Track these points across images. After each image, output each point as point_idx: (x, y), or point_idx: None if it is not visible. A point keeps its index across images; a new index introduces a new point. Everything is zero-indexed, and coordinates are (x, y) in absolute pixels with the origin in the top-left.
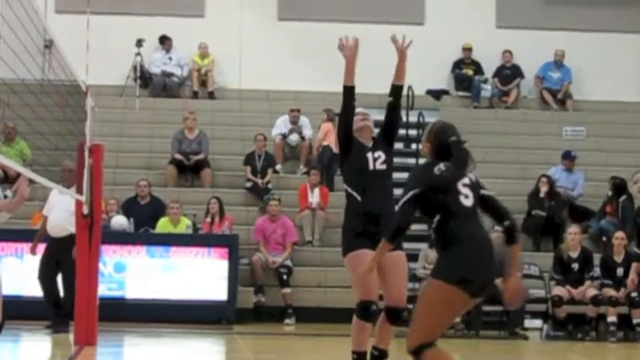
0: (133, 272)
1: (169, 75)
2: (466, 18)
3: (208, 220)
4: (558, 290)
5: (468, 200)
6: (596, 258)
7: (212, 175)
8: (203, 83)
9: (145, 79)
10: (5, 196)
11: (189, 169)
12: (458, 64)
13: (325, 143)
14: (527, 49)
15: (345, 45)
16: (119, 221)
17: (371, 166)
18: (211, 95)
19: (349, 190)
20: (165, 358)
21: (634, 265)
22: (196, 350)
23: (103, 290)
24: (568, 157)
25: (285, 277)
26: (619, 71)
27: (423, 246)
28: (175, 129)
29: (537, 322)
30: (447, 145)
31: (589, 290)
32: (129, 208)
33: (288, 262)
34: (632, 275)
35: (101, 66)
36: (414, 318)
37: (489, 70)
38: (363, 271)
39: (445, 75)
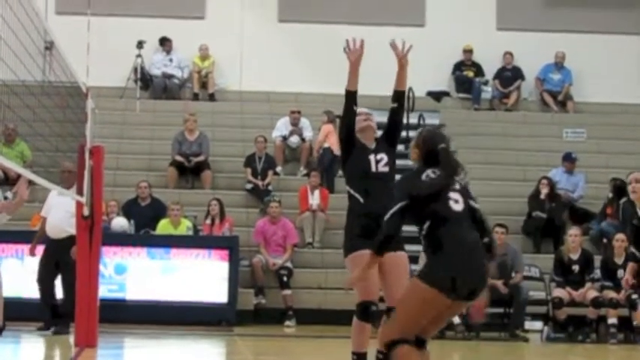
0: (133, 274)
1: (170, 77)
2: (467, 20)
3: (209, 221)
4: (559, 292)
5: (458, 205)
6: (597, 260)
7: (212, 176)
8: (203, 85)
9: (145, 80)
10: (5, 198)
11: (190, 170)
12: (458, 66)
13: (326, 145)
14: (528, 51)
15: (351, 49)
16: (120, 223)
17: (373, 169)
18: (212, 97)
19: (351, 191)
20: None
21: (629, 265)
22: (197, 352)
23: (104, 292)
24: (568, 159)
25: (285, 278)
26: (620, 73)
27: None
28: (176, 131)
29: (538, 324)
30: (435, 152)
31: (589, 292)
32: (129, 209)
33: (289, 264)
34: (627, 275)
35: (102, 67)
36: (395, 311)
37: (490, 71)
38: (353, 279)
39: (446, 77)
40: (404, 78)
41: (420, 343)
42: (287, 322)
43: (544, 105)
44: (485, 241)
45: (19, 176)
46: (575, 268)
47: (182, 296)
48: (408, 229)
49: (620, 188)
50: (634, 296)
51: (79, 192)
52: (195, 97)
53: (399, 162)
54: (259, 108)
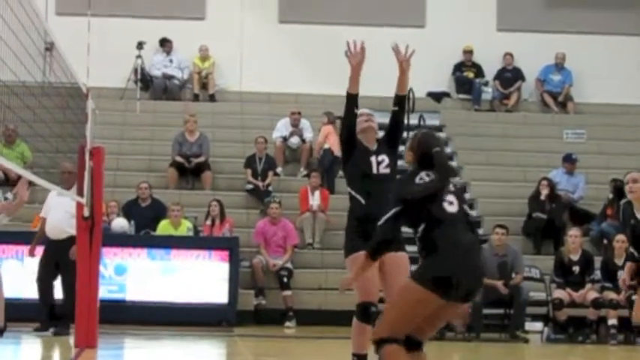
0: (133, 275)
1: (170, 77)
2: (467, 21)
3: (209, 222)
4: (559, 293)
5: (452, 206)
6: (597, 261)
7: (213, 177)
8: (204, 86)
9: (145, 81)
10: (6, 199)
11: (190, 171)
12: (459, 67)
13: (326, 146)
14: (528, 52)
15: (352, 52)
16: (120, 223)
17: (374, 170)
18: (212, 98)
19: (352, 193)
20: None
21: (627, 264)
22: (197, 353)
23: (104, 293)
24: (569, 160)
25: (285, 279)
26: (620, 74)
27: None
28: (176, 131)
29: (538, 325)
30: (430, 155)
31: (590, 293)
32: (130, 210)
33: (289, 265)
34: (625, 275)
35: (102, 68)
36: (386, 310)
37: (490, 72)
38: (347, 280)
39: (446, 77)
40: (405, 82)
41: (416, 345)
42: (287, 323)
43: (544, 106)
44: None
45: (19, 177)
46: (576, 269)
47: (182, 297)
48: (409, 229)
49: (620, 189)
50: (634, 297)
51: (80, 193)
52: (196, 97)
53: (400, 163)
54: (259, 109)
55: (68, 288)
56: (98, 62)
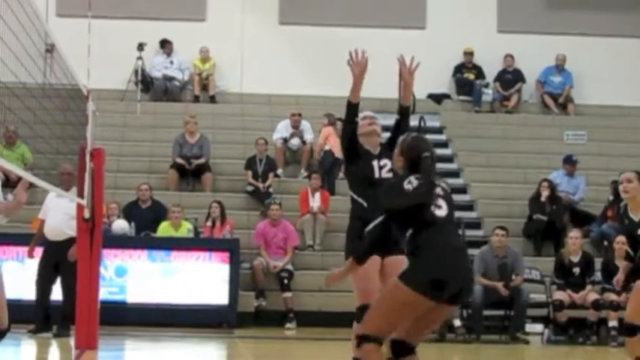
0: (134, 276)
1: (170, 79)
2: (467, 22)
3: (209, 224)
4: (559, 295)
5: (441, 210)
6: (598, 262)
7: (213, 179)
8: (204, 87)
9: (146, 83)
10: (5, 199)
11: (191, 173)
12: (459, 69)
13: (326, 148)
14: (529, 54)
15: (355, 61)
16: (120, 225)
17: (376, 175)
18: (212, 99)
19: (354, 196)
20: None
21: (623, 264)
22: (197, 354)
23: (104, 294)
24: (569, 162)
25: (286, 281)
26: (620, 76)
27: None
28: (176, 133)
29: (538, 327)
30: (419, 159)
31: (590, 295)
32: (130, 212)
33: (289, 267)
34: (620, 275)
35: (102, 70)
36: (374, 309)
37: (491, 74)
38: (332, 276)
39: (446, 79)
40: (409, 94)
41: (408, 350)
42: (287, 325)
43: (545, 107)
44: None
45: (19, 179)
46: (576, 270)
47: (183, 298)
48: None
49: None
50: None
51: (80, 194)
52: (196, 99)
53: None
54: (260, 110)
55: (68, 289)
56: (99, 64)
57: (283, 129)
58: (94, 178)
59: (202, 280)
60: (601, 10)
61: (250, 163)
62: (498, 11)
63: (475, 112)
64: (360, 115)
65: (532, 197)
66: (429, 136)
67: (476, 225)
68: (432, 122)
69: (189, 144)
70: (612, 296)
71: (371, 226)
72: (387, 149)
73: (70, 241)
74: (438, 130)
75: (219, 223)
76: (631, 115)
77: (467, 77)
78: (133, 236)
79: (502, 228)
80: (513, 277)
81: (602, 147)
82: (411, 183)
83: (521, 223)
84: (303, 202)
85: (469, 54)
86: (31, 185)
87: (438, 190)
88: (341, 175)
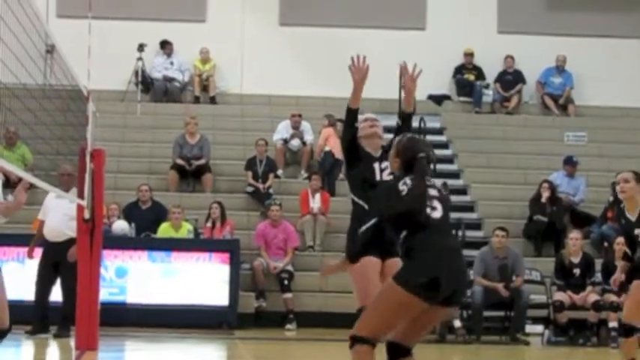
0: (134, 277)
1: (171, 80)
2: (468, 23)
3: (209, 225)
4: (560, 296)
5: (436, 212)
6: (598, 263)
7: (213, 180)
8: (204, 88)
9: (146, 83)
10: (6, 200)
11: (191, 174)
12: (459, 70)
13: (327, 148)
14: (529, 55)
15: (356, 67)
16: (120, 226)
17: (377, 177)
18: (213, 100)
19: (355, 198)
20: None
21: (621, 263)
22: (197, 355)
23: (105, 295)
24: (569, 163)
25: (286, 282)
26: (621, 76)
27: None
28: (177, 134)
29: (539, 328)
30: (415, 160)
31: (590, 296)
32: (130, 212)
33: (290, 267)
34: (617, 274)
35: (103, 71)
36: (368, 310)
37: (491, 75)
38: (329, 268)
39: (447, 80)
40: (411, 100)
41: (404, 352)
42: (288, 326)
43: (545, 108)
44: None
45: (20, 179)
46: (576, 271)
47: (183, 299)
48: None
49: None
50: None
51: (80, 195)
52: (196, 100)
53: None
54: (260, 111)
55: (68, 290)
56: (99, 64)
57: (283, 130)
58: (94, 178)
59: (202, 280)
60: (601, 11)
61: (250, 164)
62: (498, 12)
63: (475, 113)
64: (362, 117)
65: (532, 198)
66: (430, 137)
67: (476, 226)
68: (432, 123)
69: (190, 145)
70: (612, 297)
71: (364, 227)
72: (389, 152)
73: (69, 242)
74: (439, 131)
75: (220, 224)
76: (631, 116)
77: (467, 78)
78: (133, 237)
79: (502, 229)
80: (513, 278)
81: (603, 148)
82: (406, 184)
83: (521, 224)
84: (304, 203)
85: (469, 55)
86: (31, 186)
87: (434, 192)
88: (341, 176)
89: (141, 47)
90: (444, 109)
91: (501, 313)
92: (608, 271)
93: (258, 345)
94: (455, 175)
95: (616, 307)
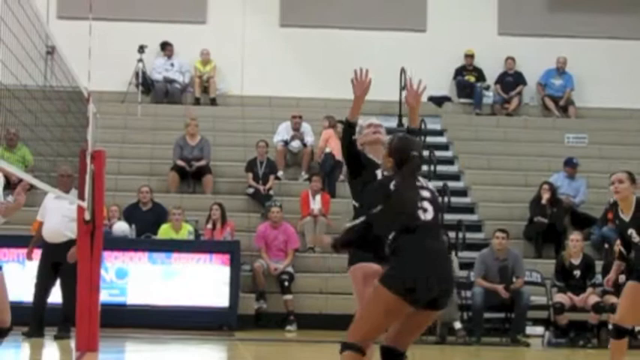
0: (134, 278)
1: (171, 81)
2: (468, 25)
3: (210, 226)
4: (560, 297)
5: (427, 214)
6: (598, 265)
7: (214, 181)
8: (205, 89)
9: (146, 85)
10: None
11: (191, 175)
12: (460, 71)
13: (327, 150)
14: (530, 56)
15: (359, 81)
16: (121, 227)
17: None
18: (213, 102)
19: (357, 205)
20: None
21: (616, 263)
22: (198, 356)
23: (105, 296)
24: (570, 164)
25: (286, 283)
26: (621, 78)
27: None
28: (177, 135)
29: (539, 329)
30: (408, 159)
31: (591, 297)
32: (131, 214)
33: (290, 269)
34: (611, 274)
35: (103, 72)
36: (358, 316)
37: (491, 76)
38: (315, 238)
39: (447, 82)
40: (416, 118)
41: (398, 356)
42: (288, 327)
43: (545, 110)
44: None
45: (20, 180)
46: (577, 273)
47: (183, 301)
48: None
49: None
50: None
51: (81, 196)
52: (197, 101)
53: None
54: (260, 113)
55: (68, 291)
56: (99, 66)
57: (284, 131)
58: (95, 180)
59: (203, 282)
60: (602, 13)
61: (251, 166)
62: (499, 14)
63: (476, 114)
64: (365, 122)
65: (533, 200)
66: (430, 139)
67: (476, 227)
68: (432, 125)
69: (190, 146)
70: (613, 299)
71: (351, 224)
72: None
73: (68, 243)
74: (439, 133)
75: (220, 226)
76: (632, 118)
77: (467, 80)
78: (133, 238)
79: (503, 230)
80: (514, 279)
81: (603, 150)
82: (397, 184)
83: (521, 226)
84: (304, 205)
85: (470, 56)
86: (31, 187)
87: (425, 193)
88: (342, 177)
89: (141, 48)
90: (445, 111)
91: (502, 315)
92: (609, 272)
93: (259, 346)
94: (455, 176)
95: (616, 309)
